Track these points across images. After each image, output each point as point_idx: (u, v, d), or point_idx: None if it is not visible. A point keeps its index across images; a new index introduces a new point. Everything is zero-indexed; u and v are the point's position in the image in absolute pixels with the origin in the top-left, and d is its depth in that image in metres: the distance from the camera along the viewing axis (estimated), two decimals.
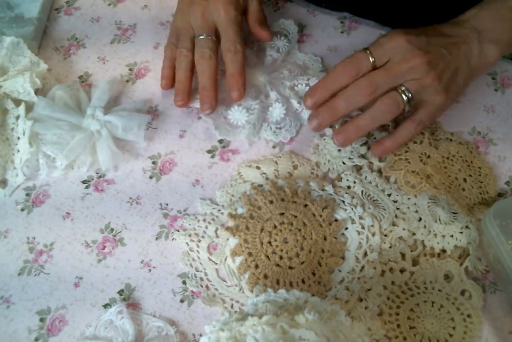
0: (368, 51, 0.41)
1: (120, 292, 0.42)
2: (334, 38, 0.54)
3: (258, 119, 0.48)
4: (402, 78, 0.40)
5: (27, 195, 0.47)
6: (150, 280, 0.42)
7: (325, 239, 0.40)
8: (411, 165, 0.43)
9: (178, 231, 0.44)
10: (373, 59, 0.41)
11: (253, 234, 0.40)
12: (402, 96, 0.40)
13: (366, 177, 0.44)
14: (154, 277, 0.42)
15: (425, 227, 0.42)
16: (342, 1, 0.53)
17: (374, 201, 0.43)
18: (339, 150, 0.46)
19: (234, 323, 0.34)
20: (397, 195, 0.43)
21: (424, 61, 0.40)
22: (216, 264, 0.42)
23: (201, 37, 0.47)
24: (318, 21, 0.55)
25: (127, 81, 0.53)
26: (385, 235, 0.42)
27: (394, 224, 0.42)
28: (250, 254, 0.40)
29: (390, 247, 0.41)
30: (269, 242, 0.40)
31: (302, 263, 0.40)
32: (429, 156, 0.44)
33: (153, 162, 0.48)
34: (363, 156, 0.45)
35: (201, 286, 0.41)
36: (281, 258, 0.40)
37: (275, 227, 0.40)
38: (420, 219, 0.42)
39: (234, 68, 0.46)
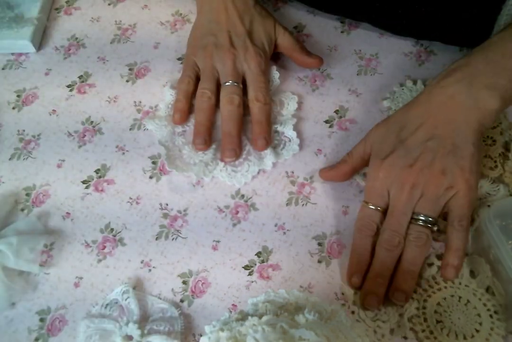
0: (367, 203, 0.41)
1: None
2: (334, 38, 0.54)
3: (213, 159, 0.46)
4: (409, 208, 0.39)
5: (27, 195, 0.47)
6: (150, 280, 0.42)
7: None
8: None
9: None
10: (374, 207, 0.41)
11: None
12: (420, 225, 0.39)
13: None
14: (154, 277, 0.42)
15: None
16: (338, 6, 0.53)
17: None
18: None
19: (234, 323, 0.34)
20: None
21: (415, 176, 0.39)
22: None
23: (228, 83, 0.47)
24: (318, 21, 0.55)
25: (127, 81, 0.53)
26: None
27: None
28: None
29: None
30: None
31: None
32: (494, 141, 0.44)
33: (153, 163, 0.48)
34: None
35: None
36: None
37: None
38: None
39: (263, 117, 0.46)
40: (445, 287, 0.40)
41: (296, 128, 0.48)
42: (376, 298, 0.39)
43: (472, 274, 0.41)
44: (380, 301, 0.39)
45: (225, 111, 0.47)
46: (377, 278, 0.40)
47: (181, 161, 0.47)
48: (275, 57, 0.53)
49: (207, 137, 0.46)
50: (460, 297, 0.39)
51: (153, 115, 0.50)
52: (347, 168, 0.44)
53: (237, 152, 0.46)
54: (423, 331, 0.38)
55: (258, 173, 0.47)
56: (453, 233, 0.39)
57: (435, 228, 0.40)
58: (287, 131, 0.48)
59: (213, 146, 0.47)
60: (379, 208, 0.41)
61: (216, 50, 0.48)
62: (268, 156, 0.46)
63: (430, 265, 0.41)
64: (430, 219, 0.39)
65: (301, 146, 0.48)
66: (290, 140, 0.48)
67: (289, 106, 0.50)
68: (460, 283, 0.40)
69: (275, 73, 0.51)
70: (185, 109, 0.49)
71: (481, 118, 0.39)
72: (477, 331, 0.38)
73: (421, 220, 0.39)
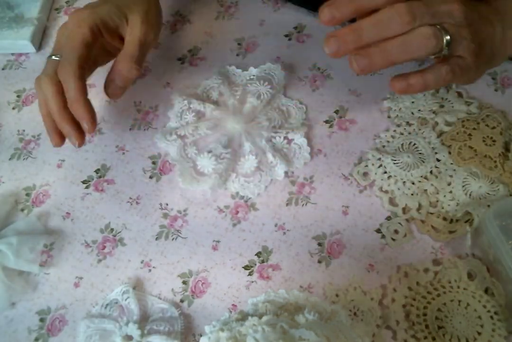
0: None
1: None
2: None
3: (226, 170, 0.46)
4: (440, 18, 0.34)
5: (27, 194, 0.47)
6: (150, 280, 0.42)
7: None
8: (471, 141, 0.45)
9: None
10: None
11: None
12: (442, 33, 0.33)
13: (424, 132, 0.47)
14: (154, 277, 0.42)
15: (451, 192, 0.44)
16: None
17: (419, 153, 0.46)
18: (413, 102, 0.48)
19: (234, 323, 0.34)
20: (444, 156, 0.45)
21: (462, 9, 0.34)
22: None
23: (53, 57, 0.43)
24: (318, 21, 0.55)
25: None
26: (413, 183, 0.44)
27: (426, 178, 0.44)
28: None
29: (412, 194, 0.44)
30: None
31: None
32: (494, 141, 0.45)
33: (153, 163, 0.48)
34: (434, 112, 0.48)
35: None
36: None
37: None
38: (450, 184, 0.44)
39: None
40: (444, 292, 0.40)
41: None
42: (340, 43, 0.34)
43: (470, 276, 0.40)
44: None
45: None
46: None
47: (196, 173, 0.46)
48: (277, 58, 0.53)
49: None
50: (459, 301, 0.39)
51: (163, 127, 0.50)
52: None
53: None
54: (425, 338, 0.38)
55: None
56: (437, 68, 0.35)
57: (445, 51, 0.34)
58: (297, 139, 0.47)
59: (227, 156, 0.46)
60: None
61: None
62: (280, 165, 0.46)
63: (426, 271, 0.41)
64: (449, 39, 0.34)
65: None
66: (300, 148, 0.47)
67: (297, 115, 0.49)
68: (458, 287, 0.40)
69: (280, 73, 0.51)
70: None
71: (498, 53, 0.37)
72: (479, 333, 0.38)
73: (445, 33, 0.34)
